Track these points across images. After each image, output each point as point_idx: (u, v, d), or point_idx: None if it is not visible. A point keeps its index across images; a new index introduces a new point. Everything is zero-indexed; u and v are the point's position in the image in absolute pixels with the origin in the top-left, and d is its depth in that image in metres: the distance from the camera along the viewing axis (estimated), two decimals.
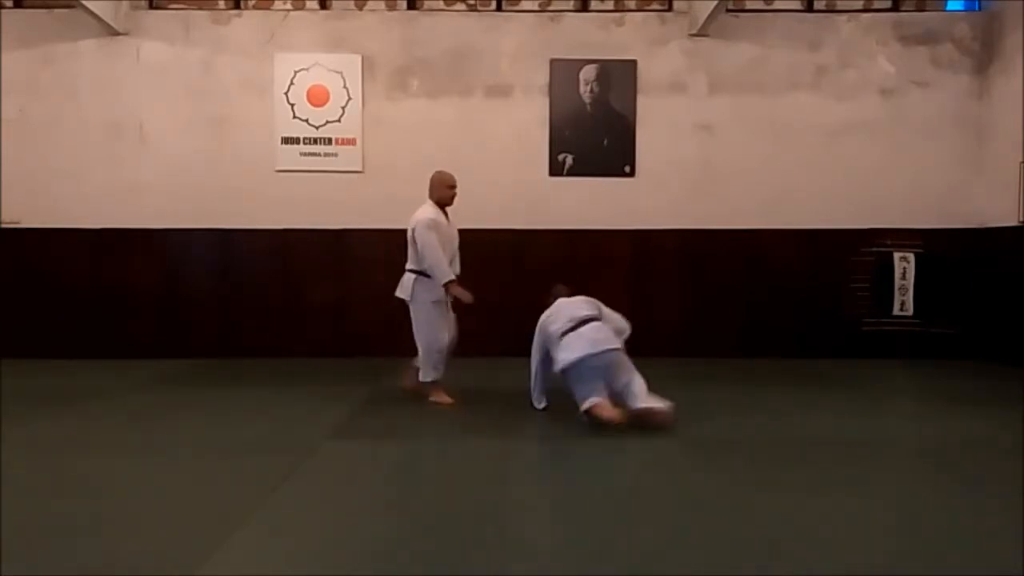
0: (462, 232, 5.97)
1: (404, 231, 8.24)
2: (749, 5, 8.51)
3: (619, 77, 8.36)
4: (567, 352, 4.97)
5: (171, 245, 8.30)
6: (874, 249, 8.29)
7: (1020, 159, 7.73)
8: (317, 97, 8.33)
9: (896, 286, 8.31)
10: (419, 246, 5.54)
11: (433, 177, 5.83)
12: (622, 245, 8.29)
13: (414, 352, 5.54)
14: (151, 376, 6.99)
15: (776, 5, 8.53)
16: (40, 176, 8.21)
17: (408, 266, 5.70)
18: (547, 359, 5.28)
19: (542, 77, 8.37)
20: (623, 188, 8.31)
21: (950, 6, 8.62)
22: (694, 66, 8.39)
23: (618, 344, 5.06)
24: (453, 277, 5.56)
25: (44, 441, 4.70)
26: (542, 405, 5.42)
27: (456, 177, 5.84)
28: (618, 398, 4.94)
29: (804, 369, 7.49)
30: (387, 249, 8.30)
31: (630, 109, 8.37)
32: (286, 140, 8.33)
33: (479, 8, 8.53)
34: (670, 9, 8.46)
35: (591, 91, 8.37)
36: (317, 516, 3.41)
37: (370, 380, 6.80)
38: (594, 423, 4.83)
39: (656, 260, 8.33)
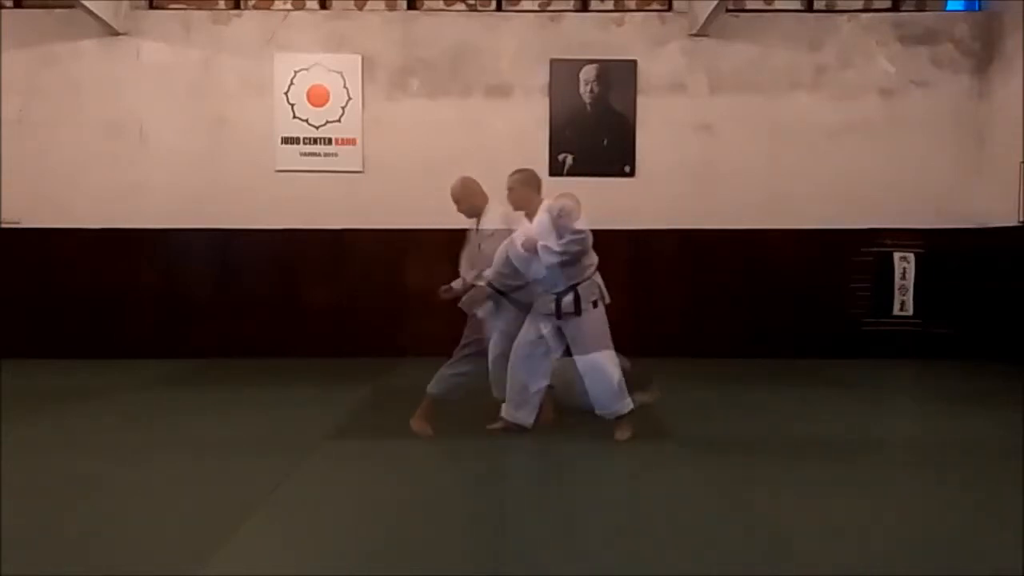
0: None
1: (404, 231, 8.32)
2: (749, 5, 8.50)
3: (619, 77, 8.36)
4: None
5: (171, 245, 8.29)
6: (874, 249, 8.28)
7: (1020, 159, 7.72)
8: (317, 97, 8.33)
9: (896, 286, 8.31)
10: None
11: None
12: (622, 245, 8.27)
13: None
14: (151, 376, 6.98)
15: (776, 5, 8.53)
16: (40, 176, 8.21)
17: None
18: None
19: (542, 77, 8.37)
20: (623, 188, 8.30)
21: (950, 6, 8.62)
22: (694, 66, 8.38)
23: None
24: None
25: (44, 441, 4.70)
26: None
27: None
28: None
29: (804, 369, 7.48)
30: (387, 249, 8.36)
31: (630, 109, 8.37)
32: (286, 140, 8.33)
33: (479, 8, 8.53)
34: (670, 9, 8.46)
35: (591, 91, 8.37)
36: (317, 516, 3.40)
37: (370, 380, 6.79)
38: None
39: (656, 260, 8.32)
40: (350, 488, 3.87)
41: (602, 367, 4.46)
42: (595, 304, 4.47)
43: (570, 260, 4.42)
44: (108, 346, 8.11)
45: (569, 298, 4.44)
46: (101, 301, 8.21)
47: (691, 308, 8.31)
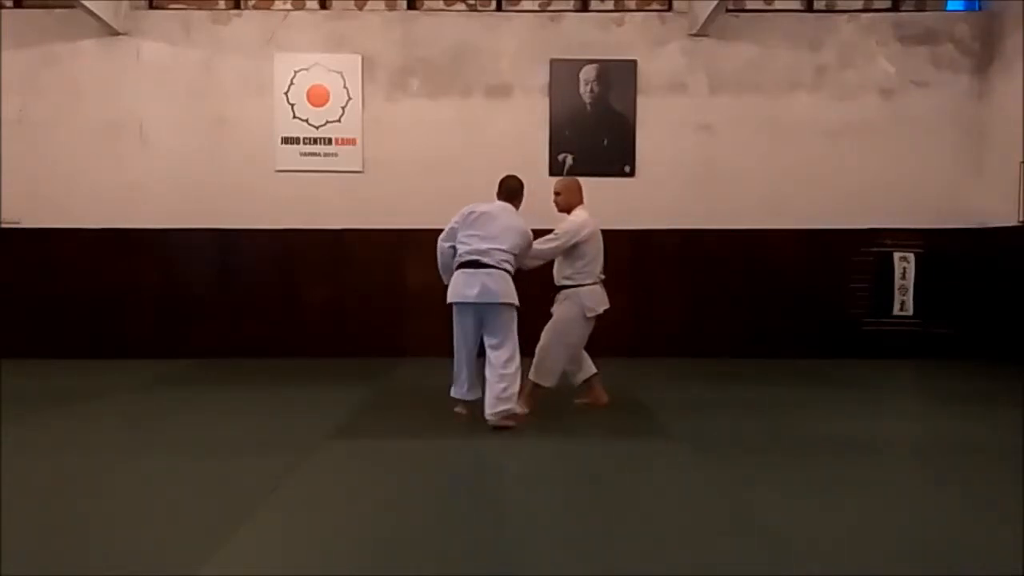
0: None
1: (404, 231, 8.32)
2: (749, 5, 8.50)
3: (619, 77, 8.36)
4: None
5: (171, 245, 8.29)
6: (874, 249, 8.29)
7: (1020, 159, 7.72)
8: (317, 97, 8.33)
9: (896, 286, 8.31)
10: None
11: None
12: (622, 245, 8.24)
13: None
14: (151, 376, 6.98)
15: (776, 5, 8.53)
16: (40, 176, 8.21)
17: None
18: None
19: (542, 77, 8.37)
20: (623, 188, 8.30)
21: (950, 6, 8.62)
22: (694, 66, 8.38)
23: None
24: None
25: (44, 441, 4.70)
26: None
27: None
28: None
29: (804, 369, 7.49)
30: (387, 249, 8.36)
31: (630, 109, 8.37)
32: (286, 140, 8.33)
33: (479, 8, 8.53)
34: (670, 9, 8.46)
35: (591, 91, 8.37)
36: (317, 516, 3.40)
37: (370, 380, 6.80)
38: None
39: (656, 260, 8.32)
40: (350, 488, 3.87)
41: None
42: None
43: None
44: (108, 346, 8.12)
45: None
46: (101, 301, 8.21)
47: (691, 308, 8.30)
